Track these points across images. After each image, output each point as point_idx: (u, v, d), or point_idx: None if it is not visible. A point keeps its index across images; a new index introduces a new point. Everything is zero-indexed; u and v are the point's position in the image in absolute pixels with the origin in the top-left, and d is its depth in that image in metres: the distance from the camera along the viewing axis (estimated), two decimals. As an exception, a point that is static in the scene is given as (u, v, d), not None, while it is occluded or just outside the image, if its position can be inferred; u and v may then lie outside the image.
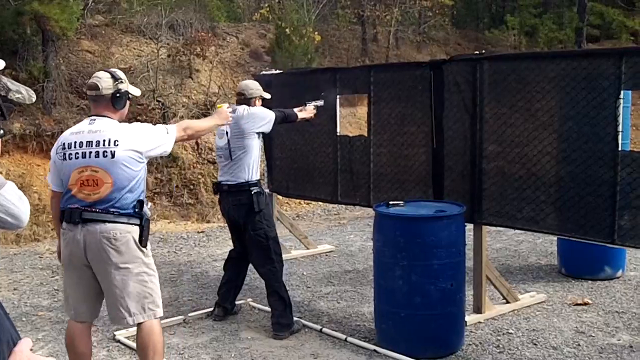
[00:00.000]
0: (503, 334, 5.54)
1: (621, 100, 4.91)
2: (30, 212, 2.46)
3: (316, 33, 14.24)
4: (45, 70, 10.85)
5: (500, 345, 5.30)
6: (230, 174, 5.68)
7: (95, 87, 4.17)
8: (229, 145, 5.65)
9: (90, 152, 4.05)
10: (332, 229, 10.25)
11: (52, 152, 4.26)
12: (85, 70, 11.52)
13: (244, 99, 5.81)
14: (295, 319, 5.73)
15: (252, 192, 5.60)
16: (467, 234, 5.31)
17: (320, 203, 11.08)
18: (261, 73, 8.25)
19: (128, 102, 4.32)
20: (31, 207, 2.52)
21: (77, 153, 4.08)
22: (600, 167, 5.02)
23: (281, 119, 5.85)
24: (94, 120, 4.18)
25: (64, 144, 4.17)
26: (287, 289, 5.78)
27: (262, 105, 5.93)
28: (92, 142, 4.06)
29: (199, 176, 11.26)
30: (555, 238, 7.29)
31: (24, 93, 2.55)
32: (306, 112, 6.17)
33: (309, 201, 11.07)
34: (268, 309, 5.85)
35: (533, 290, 6.61)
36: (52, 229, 8.66)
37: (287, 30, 13.48)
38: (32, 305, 6.57)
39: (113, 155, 4.02)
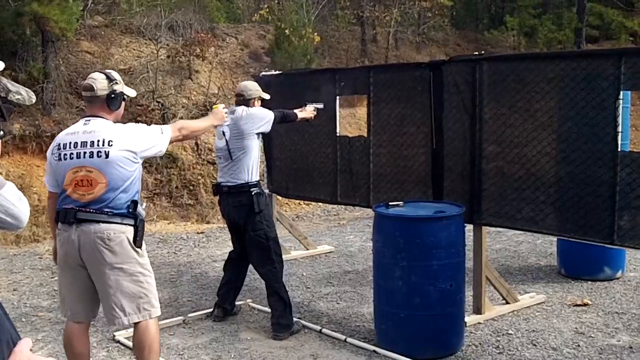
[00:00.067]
0: (503, 334, 5.54)
1: (620, 101, 4.91)
2: (30, 213, 2.46)
3: (315, 34, 14.24)
4: (45, 71, 10.86)
5: (500, 346, 5.30)
6: (230, 175, 5.68)
7: (90, 88, 4.18)
8: (228, 146, 5.65)
9: (85, 153, 4.06)
10: (331, 229, 10.25)
11: (48, 153, 4.28)
12: (84, 71, 11.51)
13: (243, 100, 5.81)
14: (294, 319, 5.73)
15: (252, 193, 5.60)
16: (467, 235, 5.31)
17: (320, 204, 11.10)
18: (261, 74, 8.24)
19: (123, 103, 4.33)
20: (31, 208, 2.51)
21: (72, 153, 4.09)
22: (599, 167, 5.02)
23: (280, 119, 5.85)
24: (89, 120, 4.19)
25: (59, 144, 4.18)
26: (287, 289, 5.77)
27: (262, 105, 5.93)
28: (86, 142, 4.07)
29: (199, 177, 11.26)
30: (554, 239, 7.29)
31: (23, 94, 2.55)
32: (306, 112, 6.18)
33: (309, 202, 11.08)
34: (267, 309, 5.85)
35: (533, 290, 6.61)
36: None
37: (286, 31, 13.49)
38: (31, 306, 6.57)
39: (107, 156, 4.03)
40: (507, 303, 6.11)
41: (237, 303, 6.17)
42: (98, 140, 4.06)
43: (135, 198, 4.16)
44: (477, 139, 5.73)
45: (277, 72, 8.17)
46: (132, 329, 4.40)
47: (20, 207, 2.34)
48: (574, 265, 7.09)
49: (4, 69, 2.31)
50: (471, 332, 5.57)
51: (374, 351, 5.18)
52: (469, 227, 5.58)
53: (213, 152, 9.89)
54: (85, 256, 4.07)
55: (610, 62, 4.95)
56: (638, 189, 4.84)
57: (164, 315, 6.06)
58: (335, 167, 7.15)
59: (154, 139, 4.25)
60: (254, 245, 5.67)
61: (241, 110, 5.70)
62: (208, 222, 10.68)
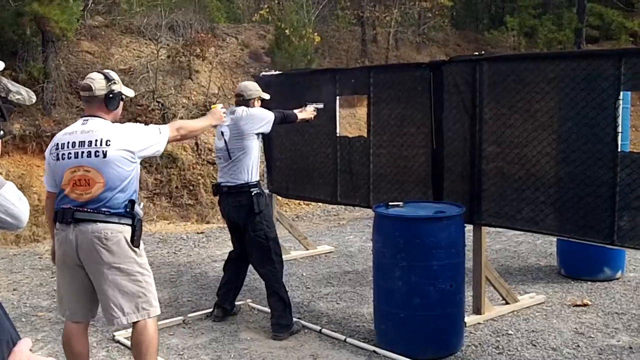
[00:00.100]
0: (502, 334, 5.54)
1: (620, 101, 4.91)
2: (30, 212, 2.47)
3: (316, 34, 14.24)
4: (45, 71, 10.86)
5: (500, 346, 5.30)
6: (229, 175, 5.68)
7: (88, 88, 4.19)
8: (227, 146, 5.65)
9: (83, 152, 4.06)
10: (331, 229, 10.25)
11: (47, 153, 4.28)
12: (85, 71, 11.50)
13: (242, 100, 5.81)
14: (294, 319, 5.73)
15: (252, 194, 5.60)
16: (467, 235, 5.31)
17: (320, 204, 11.10)
18: (261, 74, 8.25)
19: (122, 102, 4.33)
20: (31, 207, 2.51)
21: (70, 153, 4.09)
22: (599, 168, 5.02)
23: (280, 119, 5.85)
24: (87, 120, 4.20)
25: (57, 144, 4.18)
26: (287, 289, 5.77)
27: (261, 106, 5.93)
28: (84, 142, 4.08)
29: (199, 177, 11.26)
30: (554, 239, 7.30)
31: (24, 94, 2.55)
32: (306, 113, 6.18)
33: (309, 202, 11.08)
34: (267, 309, 5.85)
35: (532, 291, 6.62)
36: (51, 230, 8.66)
37: (286, 31, 13.49)
38: (31, 306, 6.57)
39: (105, 155, 4.03)
40: (507, 303, 6.11)
41: (236, 303, 6.17)
42: (96, 140, 4.06)
43: (133, 198, 4.16)
44: (477, 139, 5.73)
45: (277, 72, 8.17)
46: (131, 329, 4.40)
47: (20, 206, 2.34)
48: (574, 265, 7.09)
49: (4, 69, 2.32)
50: (471, 333, 5.57)
51: (374, 351, 5.18)
52: (468, 228, 5.58)
53: (213, 152, 9.89)
54: (83, 256, 4.08)
55: (611, 63, 4.95)
56: (638, 189, 4.84)
57: (163, 315, 6.07)
58: (335, 168, 7.15)
59: (152, 138, 4.26)
60: (254, 246, 5.67)
61: (241, 110, 5.70)
62: (208, 222, 10.69)
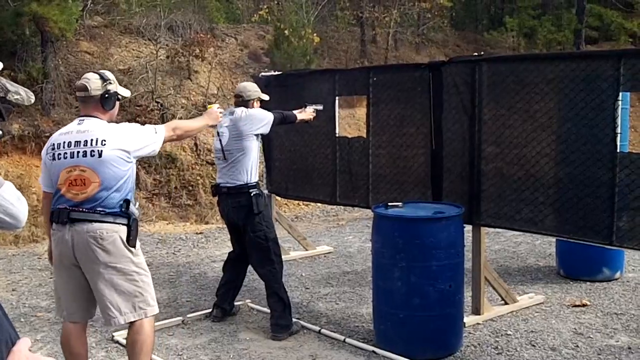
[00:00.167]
0: (501, 335, 5.54)
1: (620, 102, 4.92)
2: (29, 213, 2.46)
3: (315, 34, 14.23)
4: (44, 71, 10.85)
5: (499, 347, 5.30)
6: (229, 176, 5.68)
7: (84, 88, 4.20)
8: (222, 147, 5.66)
9: (78, 152, 4.06)
10: (330, 230, 10.25)
11: (43, 153, 4.29)
12: (84, 71, 11.41)
13: (242, 101, 5.81)
14: (294, 320, 5.73)
15: (252, 194, 5.60)
16: (466, 235, 5.31)
17: (319, 204, 11.10)
18: (260, 74, 8.25)
19: (118, 102, 4.34)
20: (30, 208, 2.51)
21: (66, 153, 4.10)
22: (598, 168, 5.02)
23: (279, 120, 5.85)
24: (83, 120, 4.21)
25: (53, 144, 4.19)
26: (286, 290, 5.77)
27: (260, 106, 5.93)
28: (80, 141, 4.08)
29: (198, 177, 11.26)
30: (553, 239, 7.30)
31: (22, 94, 2.55)
32: (305, 113, 6.18)
33: (308, 202, 11.09)
34: (266, 310, 5.85)
35: (531, 291, 6.62)
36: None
37: (286, 31, 13.49)
38: (30, 306, 6.57)
39: (100, 155, 4.04)
40: (506, 304, 6.11)
41: (236, 303, 6.17)
42: (92, 140, 4.07)
43: (129, 197, 4.16)
44: (477, 139, 5.73)
45: (276, 72, 8.17)
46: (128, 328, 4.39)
47: (19, 206, 2.34)
48: (573, 266, 7.09)
49: (3, 69, 2.32)
50: (470, 333, 5.57)
51: (373, 352, 5.18)
52: (468, 228, 5.58)
53: (212, 152, 9.90)
54: (79, 256, 4.08)
55: (610, 64, 4.95)
56: (637, 190, 4.84)
57: (163, 315, 6.07)
58: (334, 168, 7.15)
59: (148, 138, 4.26)
60: (254, 246, 5.67)
61: (240, 111, 5.70)
62: (207, 223, 10.68)
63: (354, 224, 10.58)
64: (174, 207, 10.93)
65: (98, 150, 4.04)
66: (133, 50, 12.95)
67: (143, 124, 4.51)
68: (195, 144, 11.43)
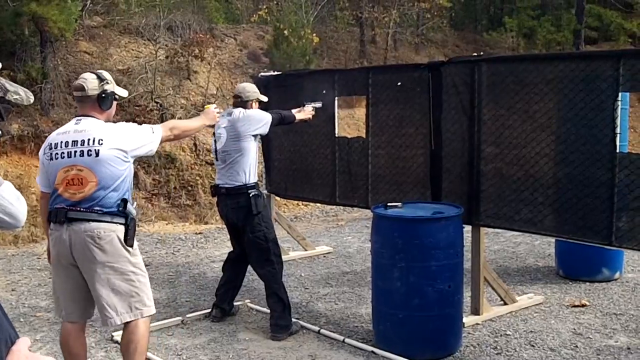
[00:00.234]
0: (501, 335, 5.54)
1: (619, 102, 4.92)
2: (28, 213, 2.47)
3: (314, 35, 14.24)
4: (43, 71, 10.85)
5: (498, 347, 5.30)
6: (227, 177, 5.68)
7: (81, 88, 4.20)
8: (223, 147, 5.66)
9: (75, 152, 4.07)
10: (330, 230, 10.25)
11: (40, 153, 4.29)
12: (83, 71, 11.38)
13: (240, 102, 5.81)
14: (293, 320, 5.73)
15: (250, 195, 5.60)
16: (465, 236, 5.31)
17: (319, 204, 11.10)
18: (259, 74, 8.25)
19: (115, 102, 4.34)
20: (29, 208, 2.51)
21: (63, 153, 4.10)
22: (598, 168, 5.02)
23: (278, 120, 5.85)
24: (80, 120, 4.21)
25: (50, 144, 4.19)
26: (286, 290, 5.77)
27: (260, 107, 5.93)
28: (77, 141, 4.09)
29: (197, 177, 11.26)
30: (553, 240, 7.30)
31: (22, 94, 2.55)
32: (304, 112, 6.18)
33: (307, 202, 11.08)
34: (266, 310, 5.85)
35: (531, 291, 6.62)
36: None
37: (285, 31, 13.49)
38: (30, 306, 6.56)
39: (97, 154, 4.04)
40: (505, 304, 6.11)
41: (235, 303, 6.17)
42: (89, 139, 4.07)
43: (126, 197, 4.15)
44: (476, 140, 5.73)
45: (275, 72, 8.17)
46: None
47: (18, 206, 2.34)
48: (572, 266, 7.10)
49: (2, 69, 2.32)
50: (469, 333, 5.57)
51: (372, 352, 5.18)
52: (467, 228, 5.58)
53: (211, 153, 9.91)
54: (77, 255, 4.08)
55: (609, 64, 4.95)
56: (636, 190, 4.84)
57: (162, 315, 6.08)
58: (333, 168, 7.15)
59: (145, 138, 4.27)
60: (253, 247, 5.67)
61: (238, 112, 5.70)
62: (206, 223, 10.68)
63: (353, 224, 10.58)
64: (173, 207, 10.93)
65: (95, 150, 4.04)
66: (132, 50, 12.95)
67: (141, 124, 4.51)
68: (195, 144, 11.43)
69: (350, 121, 12.89)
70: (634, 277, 7.15)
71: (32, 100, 2.65)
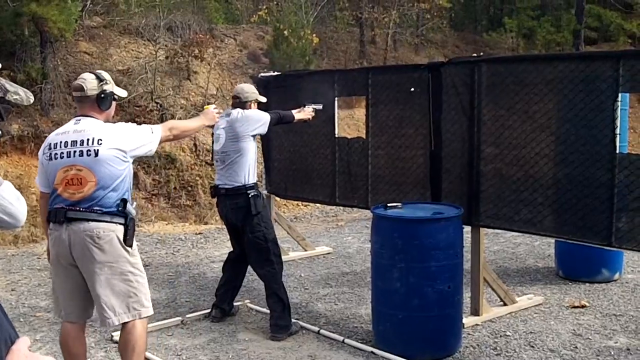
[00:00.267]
0: (500, 336, 5.54)
1: (619, 103, 4.92)
2: (28, 213, 2.47)
3: (314, 35, 14.24)
4: (43, 71, 10.85)
5: (498, 348, 5.30)
6: (226, 178, 5.69)
7: (80, 88, 4.21)
8: (222, 148, 5.67)
9: (75, 152, 4.07)
10: (329, 230, 10.25)
11: (40, 153, 4.30)
12: (83, 71, 11.39)
13: (239, 103, 5.82)
14: (293, 320, 5.73)
15: (250, 195, 5.60)
16: (465, 236, 5.31)
17: (318, 205, 11.10)
18: (259, 75, 8.25)
19: (114, 102, 4.35)
20: (29, 208, 2.52)
21: (62, 153, 4.10)
22: (597, 169, 5.02)
23: (276, 120, 5.85)
24: (79, 120, 4.22)
25: (50, 144, 4.20)
26: (286, 290, 5.77)
27: (259, 107, 5.93)
28: (76, 141, 4.09)
29: (197, 178, 11.26)
30: (552, 240, 7.30)
31: (21, 94, 2.56)
32: (304, 113, 6.17)
33: (307, 203, 11.08)
34: (266, 310, 5.85)
35: (530, 292, 6.62)
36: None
37: (285, 32, 13.49)
38: (29, 306, 6.56)
39: (97, 154, 4.04)
40: (505, 305, 6.11)
41: (235, 304, 6.17)
42: (88, 139, 4.07)
43: (125, 197, 4.16)
44: (476, 140, 5.73)
45: (275, 73, 8.17)
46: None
47: (18, 206, 2.35)
48: (572, 267, 7.10)
49: (2, 69, 2.33)
50: (469, 334, 5.57)
51: (372, 352, 5.18)
52: (467, 229, 5.58)
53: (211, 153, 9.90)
54: (77, 255, 4.08)
55: (609, 64, 4.95)
56: (636, 190, 4.84)
57: (162, 315, 6.08)
58: (333, 169, 7.15)
59: (144, 138, 4.27)
60: (253, 247, 5.67)
61: (236, 112, 5.71)
62: (206, 223, 10.68)
63: (353, 224, 10.58)
64: (173, 208, 10.93)
65: (94, 150, 4.05)
66: (132, 50, 12.95)
67: (141, 124, 4.52)
68: (195, 145, 11.43)
69: (350, 121, 12.89)
70: (634, 277, 7.15)
71: (32, 101, 2.65)
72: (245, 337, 5.63)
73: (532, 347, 5.30)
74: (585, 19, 18.04)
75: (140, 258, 4.32)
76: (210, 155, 5.86)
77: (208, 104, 6.30)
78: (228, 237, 6.21)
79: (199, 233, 9.94)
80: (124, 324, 4.20)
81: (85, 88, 4.20)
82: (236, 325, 5.92)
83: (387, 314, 5.18)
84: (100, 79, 4.24)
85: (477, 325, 5.76)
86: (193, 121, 5.08)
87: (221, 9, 17.01)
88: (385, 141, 6.59)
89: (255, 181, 5.72)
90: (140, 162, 10.43)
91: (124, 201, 4.13)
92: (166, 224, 10.46)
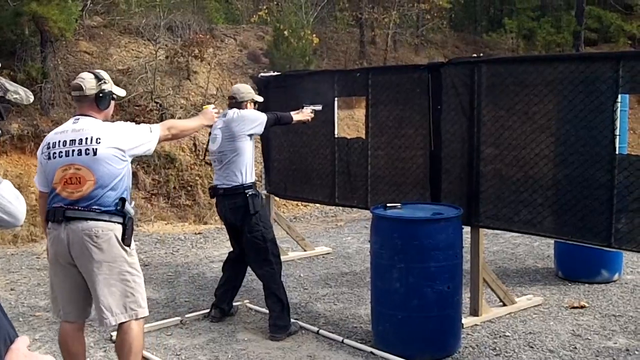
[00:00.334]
0: (500, 336, 5.54)
1: (619, 104, 4.92)
2: (27, 212, 2.47)
3: (314, 35, 14.24)
4: (44, 71, 10.85)
5: (497, 348, 5.30)
6: (224, 178, 5.70)
7: (79, 88, 4.22)
8: (219, 148, 5.68)
9: (73, 150, 4.08)
10: (329, 231, 10.25)
11: (38, 153, 4.30)
12: (83, 71, 11.46)
13: (235, 103, 5.83)
14: (292, 320, 5.73)
15: (247, 195, 5.61)
16: (464, 237, 5.31)
17: (318, 205, 11.10)
18: (259, 75, 8.25)
19: (113, 102, 4.36)
20: (28, 207, 2.52)
21: (61, 152, 4.11)
22: (597, 170, 5.03)
23: (274, 121, 5.86)
24: (78, 119, 4.23)
25: (48, 143, 4.21)
26: (285, 290, 5.77)
27: (259, 107, 5.94)
28: (75, 140, 4.10)
29: (197, 178, 11.26)
30: (552, 241, 7.30)
31: (21, 94, 2.56)
32: (303, 114, 6.17)
33: (307, 203, 11.08)
34: (265, 310, 5.85)
35: (530, 293, 6.62)
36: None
37: (285, 32, 13.49)
38: (29, 306, 6.56)
39: (95, 153, 4.05)
40: (504, 305, 6.11)
41: (234, 304, 6.17)
42: (86, 138, 4.08)
43: (124, 196, 4.16)
44: (475, 141, 5.73)
45: (275, 73, 8.18)
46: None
47: (17, 205, 2.35)
48: (572, 267, 7.10)
49: (2, 69, 2.33)
50: (468, 334, 5.57)
51: (371, 352, 5.18)
52: (466, 229, 5.58)
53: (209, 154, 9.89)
54: (75, 254, 4.08)
55: (609, 65, 4.95)
56: (636, 191, 4.85)
57: (161, 315, 6.08)
58: (333, 169, 7.15)
59: (143, 137, 4.28)
60: (251, 247, 5.68)
61: (232, 112, 5.72)
62: (205, 223, 10.68)
63: (353, 224, 10.58)
64: (172, 207, 10.93)
65: (93, 149, 4.05)
66: (132, 50, 12.95)
67: (140, 124, 4.52)
68: (195, 144, 11.43)
69: (350, 122, 12.90)
70: (633, 278, 7.15)
71: (31, 100, 2.65)
72: (245, 337, 5.63)
73: (532, 347, 5.30)
74: (585, 20, 18.04)
75: (137, 258, 4.32)
76: (203, 154, 5.86)
77: (207, 103, 6.29)
78: (227, 237, 6.21)
79: (199, 233, 9.95)
80: (121, 324, 4.20)
81: (84, 87, 4.20)
82: (235, 325, 5.92)
83: (386, 314, 5.18)
84: (98, 79, 4.25)
85: (476, 325, 5.76)
86: (192, 121, 5.09)
87: (221, 9, 17.02)
88: (385, 141, 6.59)
89: (253, 181, 5.72)
90: (140, 161, 10.43)
91: (122, 200, 4.13)
92: (165, 224, 10.46)
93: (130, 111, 11.33)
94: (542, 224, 5.45)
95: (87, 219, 4.04)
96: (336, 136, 7.17)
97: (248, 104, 5.85)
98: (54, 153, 4.13)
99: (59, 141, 4.15)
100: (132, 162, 4.31)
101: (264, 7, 15.30)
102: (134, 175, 9.90)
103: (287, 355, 5.23)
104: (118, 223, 4.12)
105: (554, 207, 5.37)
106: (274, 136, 7.58)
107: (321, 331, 5.67)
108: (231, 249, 6.13)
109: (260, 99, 6.04)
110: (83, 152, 4.06)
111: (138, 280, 4.23)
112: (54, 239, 4.14)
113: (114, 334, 5.49)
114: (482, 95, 5.68)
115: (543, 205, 5.43)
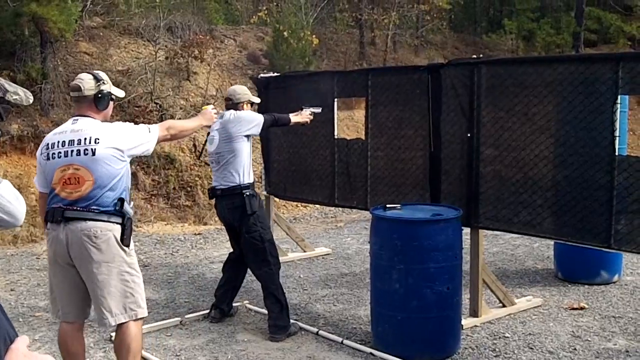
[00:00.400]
0: (499, 337, 5.54)
1: (618, 105, 4.92)
2: (27, 213, 2.47)
3: (314, 36, 14.25)
4: (43, 71, 10.85)
5: (497, 349, 5.30)
6: (222, 178, 5.71)
7: (78, 89, 4.22)
8: (216, 150, 5.69)
9: (72, 151, 4.08)
10: (328, 231, 10.25)
11: (38, 153, 4.31)
12: (83, 72, 11.48)
13: (231, 104, 5.84)
14: (292, 321, 5.72)
15: (245, 195, 5.61)
16: (464, 238, 5.31)
17: (317, 206, 11.10)
18: (259, 76, 8.25)
19: (111, 102, 4.36)
20: (28, 208, 2.52)
21: (60, 152, 4.11)
22: (597, 171, 5.03)
23: (271, 122, 5.87)
24: (77, 120, 4.23)
25: (47, 144, 4.22)
26: (284, 291, 5.77)
27: (258, 108, 5.94)
28: (73, 140, 4.10)
29: (196, 178, 11.26)
30: (552, 242, 7.30)
31: (21, 94, 2.56)
32: (301, 116, 6.17)
33: (306, 204, 11.08)
34: (265, 311, 5.85)
35: (529, 294, 6.62)
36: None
37: (285, 33, 13.50)
38: (29, 306, 6.56)
39: (94, 153, 4.05)
40: (504, 306, 6.11)
41: (234, 304, 6.17)
42: (85, 138, 4.09)
43: (123, 196, 4.16)
44: (475, 142, 5.73)
45: (275, 74, 8.18)
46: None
47: (17, 205, 2.35)
48: (571, 268, 7.10)
49: (2, 69, 2.33)
50: (468, 335, 5.57)
51: (371, 353, 5.18)
52: (466, 230, 5.58)
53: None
54: (74, 254, 4.08)
55: (608, 67, 4.95)
56: (635, 193, 4.85)
57: (160, 315, 6.08)
58: (332, 170, 7.16)
59: (141, 137, 4.28)
60: (249, 247, 5.68)
61: (229, 114, 5.73)
62: (205, 224, 10.68)
63: (352, 225, 10.58)
64: (172, 208, 10.93)
65: (91, 149, 4.06)
66: (132, 51, 12.96)
67: (139, 124, 4.52)
68: (194, 145, 11.43)
69: (350, 123, 12.90)
70: (633, 279, 7.15)
71: (31, 101, 2.65)
72: (244, 337, 5.63)
73: (531, 348, 5.30)
74: (585, 21, 18.06)
75: (137, 258, 4.32)
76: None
77: (207, 104, 6.30)
78: (227, 238, 6.21)
79: (198, 233, 9.94)
80: (119, 325, 4.20)
81: (83, 88, 4.21)
82: (235, 326, 5.92)
83: (386, 315, 5.18)
84: (97, 79, 4.25)
85: (476, 326, 5.76)
86: (191, 121, 5.10)
87: (221, 9, 17.03)
88: (385, 142, 6.59)
89: (251, 181, 5.73)
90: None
91: (121, 200, 4.14)
92: (165, 225, 10.46)
93: (130, 112, 11.34)
94: (542, 225, 5.45)
95: (85, 219, 4.05)
96: (336, 137, 7.17)
97: (245, 105, 5.86)
98: (53, 153, 4.14)
99: (58, 142, 4.15)
100: (131, 163, 4.31)
101: (264, 8, 15.31)
102: (134, 175, 9.91)
103: (287, 356, 5.23)
104: (117, 223, 4.12)
105: (554, 208, 5.37)
106: (274, 137, 7.58)
107: (321, 332, 5.67)
108: (231, 250, 6.13)
109: (257, 100, 6.05)
110: (82, 152, 4.06)
111: (137, 280, 4.23)
112: (52, 239, 4.14)
113: (114, 334, 5.51)
114: (481, 96, 5.68)
115: (543, 206, 5.43)
